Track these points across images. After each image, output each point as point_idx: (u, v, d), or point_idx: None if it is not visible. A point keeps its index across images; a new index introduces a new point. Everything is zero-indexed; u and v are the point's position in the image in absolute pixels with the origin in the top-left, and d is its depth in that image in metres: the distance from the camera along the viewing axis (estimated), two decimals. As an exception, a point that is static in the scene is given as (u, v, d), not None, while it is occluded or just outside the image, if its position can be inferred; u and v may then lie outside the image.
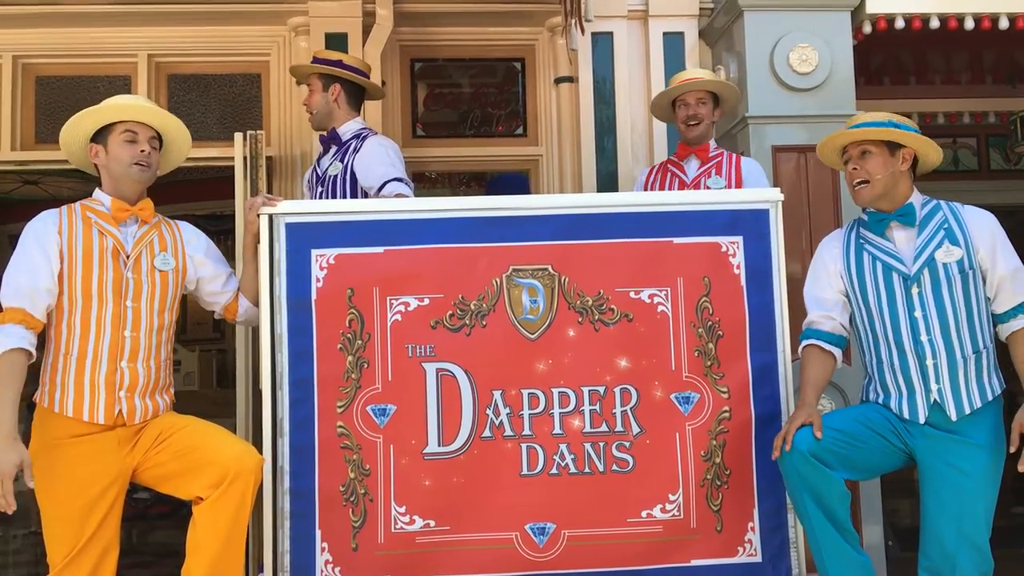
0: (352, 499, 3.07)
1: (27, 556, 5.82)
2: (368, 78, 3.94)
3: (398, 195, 3.49)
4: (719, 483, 3.15)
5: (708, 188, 3.76)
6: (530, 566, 3.08)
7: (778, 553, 3.15)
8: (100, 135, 3.00)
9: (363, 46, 4.66)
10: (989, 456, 2.95)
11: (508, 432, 3.12)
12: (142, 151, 2.99)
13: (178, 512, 6.32)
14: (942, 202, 3.12)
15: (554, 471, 3.12)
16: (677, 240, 3.21)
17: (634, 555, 3.10)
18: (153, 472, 2.93)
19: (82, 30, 4.85)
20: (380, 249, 3.15)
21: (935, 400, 2.98)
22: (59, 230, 2.89)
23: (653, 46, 4.77)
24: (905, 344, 3.01)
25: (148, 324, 2.95)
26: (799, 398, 3.10)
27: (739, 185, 3.77)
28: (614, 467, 3.13)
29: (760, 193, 3.40)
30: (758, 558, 3.15)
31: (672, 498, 3.13)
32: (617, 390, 3.15)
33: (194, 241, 3.14)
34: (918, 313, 3.00)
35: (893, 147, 3.07)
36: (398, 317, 3.13)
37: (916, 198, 3.11)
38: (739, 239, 3.23)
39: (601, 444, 3.14)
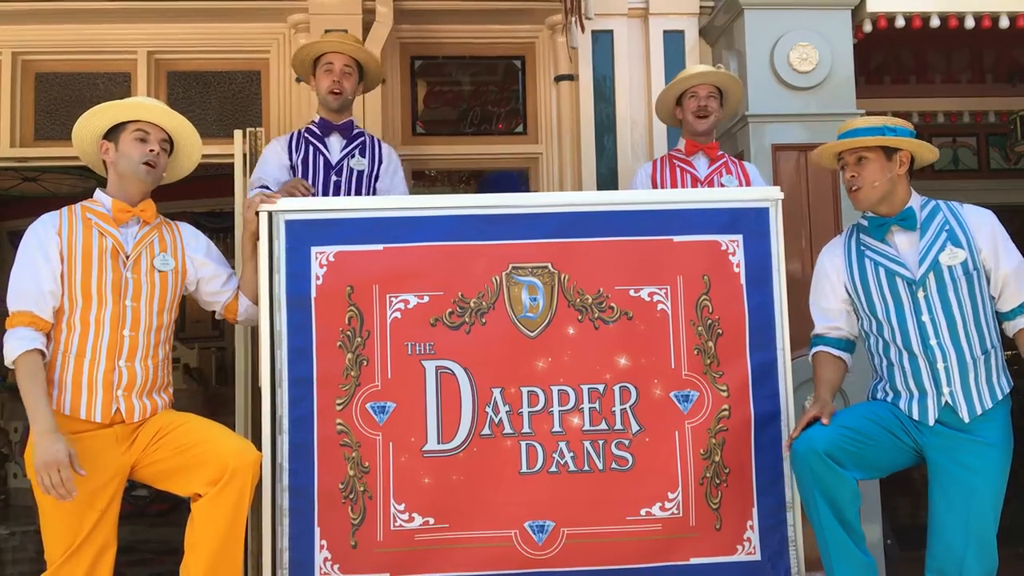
0: (351, 497, 3.07)
1: (27, 553, 5.82)
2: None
3: None
4: (718, 481, 3.15)
5: (724, 186, 3.75)
6: (529, 564, 3.08)
7: (777, 552, 3.15)
8: (113, 132, 3.02)
9: (363, 43, 4.65)
10: (999, 454, 2.95)
11: (507, 430, 3.12)
12: (151, 151, 3.01)
13: (177, 510, 6.33)
14: (941, 202, 3.11)
15: (553, 469, 3.12)
16: (677, 238, 3.21)
17: (633, 553, 3.10)
18: (151, 469, 2.93)
19: (82, 27, 4.86)
20: (380, 247, 3.15)
21: (947, 402, 2.97)
22: (59, 231, 2.90)
23: (653, 44, 4.76)
24: (915, 348, 3.00)
25: (147, 324, 2.96)
26: (814, 396, 3.11)
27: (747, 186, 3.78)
28: (613, 465, 3.13)
29: (760, 192, 3.40)
30: (757, 556, 3.15)
31: (671, 496, 3.13)
32: (616, 388, 3.15)
33: (194, 242, 3.15)
34: (925, 317, 2.99)
35: (890, 151, 3.06)
36: (398, 315, 3.13)
37: (915, 200, 3.10)
38: (739, 238, 3.23)
39: (600, 442, 3.14)
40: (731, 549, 3.14)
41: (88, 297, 2.88)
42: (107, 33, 4.89)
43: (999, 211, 3.21)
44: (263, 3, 4.80)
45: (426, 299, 3.14)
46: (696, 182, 3.80)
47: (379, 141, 3.96)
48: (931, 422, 2.98)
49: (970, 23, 4.47)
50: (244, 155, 4.09)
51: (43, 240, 2.89)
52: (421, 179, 5.65)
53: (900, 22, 4.47)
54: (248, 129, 4.17)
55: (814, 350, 3.20)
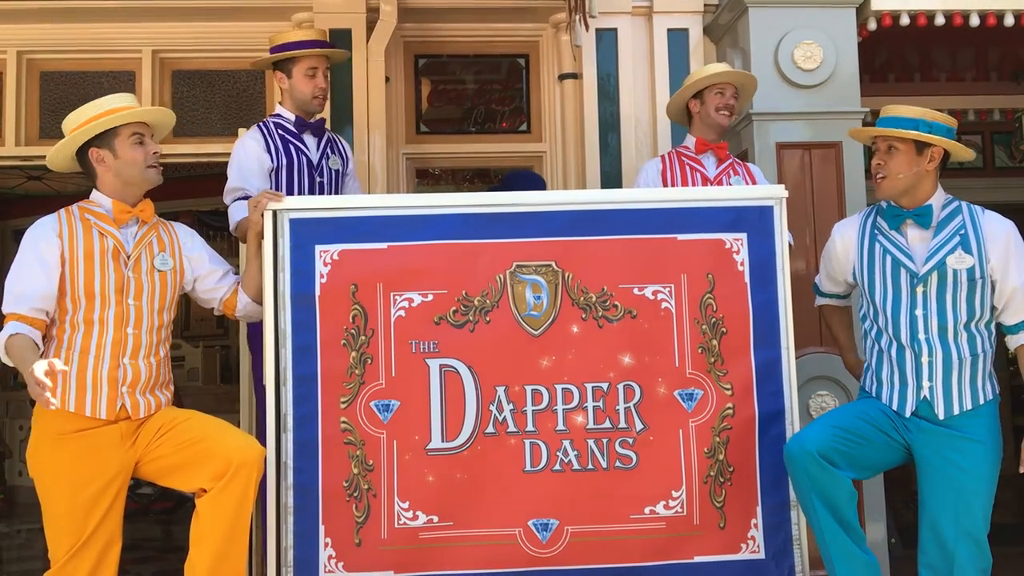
0: (355, 494, 3.07)
1: (31, 551, 5.83)
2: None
3: None
4: (722, 480, 3.15)
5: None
6: (533, 562, 3.08)
7: (781, 550, 3.15)
8: (102, 139, 2.98)
9: (367, 42, 4.67)
10: (986, 452, 2.96)
11: (511, 428, 3.12)
12: (154, 153, 3.02)
13: (181, 507, 6.35)
14: (964, 205, 3.10)
15: (557, 467, 3.12)
16: (681, 237, 3.21)
17: (637, 551, 3.10)
18: (155, 465, 2.94)
19: (86, 26, 4.86)
20: (384, 245, 3.15)
21: (925, 396, 3.00)
22: (59, 234, 2.90)
23: (657, 42, 4.75)
24: (903, 339, 3.03)
25: (149, 322, 2.97)
26: (842, 349, 3.48)
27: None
28: (617, 463, 3.13)
29: (765, 190, 3.40)
30: (761, 555, 3.14)
31: (675, 495, 3.13)
32: (620, 387, 3.15)
33: (189, 241, 3.16)
34: (919, 311, 3.01)
35: (921, 146, 3.06)
36: (402, 313, 3.13)
37: (937, 198, 3.09)
38: (743, 236, 3.22)
39: (604, 440, 3.14)
40: (735, 547, 3.14)
41: (91, 297, 2.89)
42: (112, 32, 4.89)
43: (1003, 209, 3.21)
44: (267, 2, 4.80)
45: (430, 297, 3.14)
46: (706, 181, 3.79)
47: (340, 139, 3.93)
48: (907, 413, 3.02)
49: (975, 21, 4.46)
50: (248, 154, 4.08)
51: (41, 244, 2.89)
52: (425, 178, 5.65)
53: (905, 20, 4.46)
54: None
55: (821, 302, 3.45)
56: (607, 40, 4.80)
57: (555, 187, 4.93)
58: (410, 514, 3.07)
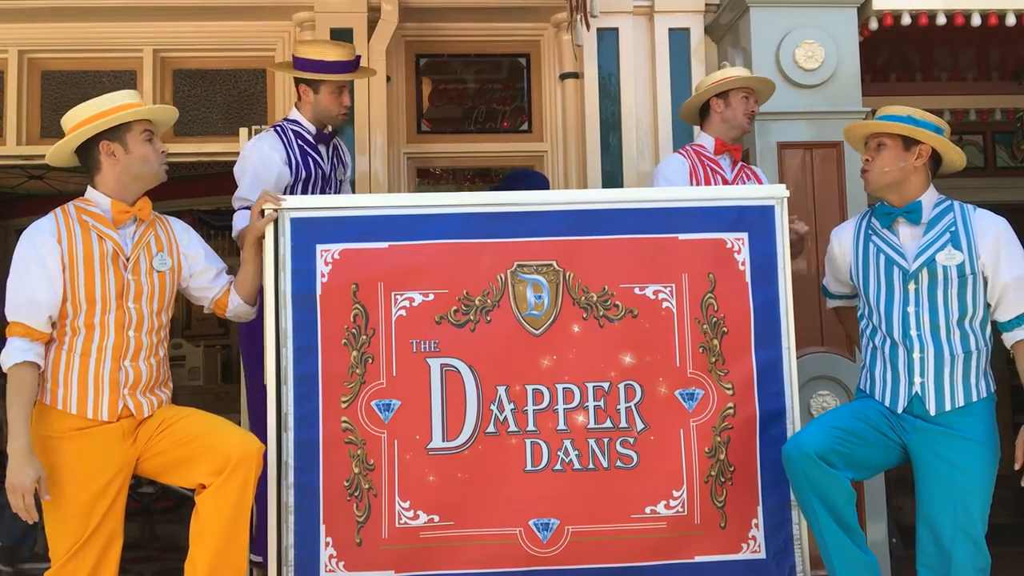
0: (356, 494, 3.07)
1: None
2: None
3: None
4: (723, 480, 3.15)
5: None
6: (534, 562, 3.08)
7: (782, 550, 3.15)
8: (113, 133, 2.96)
9: (368, 41, 4.66)
10: (982, 450, 2.96)
11: (512, 428, 3.12)
12: (162, 151, 3.03)
13: (182, 506, 6.34)
14: (956, 203, 3.12)
15: (558, 467, 3.12)
16: (682, 236, 3.21)
17: (638, 551, 3.10)
18: (155, 461, 2.93)
19: (88, 25, 4.86)
20: (385, 244, 3.15)
21: (916, 392, 3.02)
22: (58, 239, 2.87)
23: (659, 42, 4.75)
24: (896, 335, 3.05)
25: (149, 324, 2.96)
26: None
27: None
28: (618, 463, 3.13)
29: (766, 190, 3.40)
30: (762, 555, 3.14)
31: (676, 494, 3.13)
32: (621, 386, 3.15)
33: (186, 238, 3.14)
34: (911, 308, 3.03)
35: (909, 142, 3.08)
36: (403, 312, 3.13)
37: (928, 197, 3.11)
38: (744, 235, 3.22)
39: (605, 440, 3.13)
40: (736, 547, 3.14)
41: (92, 301, 2.87)
42: (113, 31, 4.89)
43: (1004, 209, 3.22)
44: (269, 1, 4.80)
45: (431, 297, 3.14)
46: (724, 183, 3.79)
47: (343, 144, 3.94)
48: (899, 409, 3.03)
49: (976, 20, 4.45)
50: (249, 153, 4.08)
51: (41, 249, 2.86)
52: (426, 177, 5.65)
53: (906, 19, 4.46)
54: (253, 127, 4.18)
55: (832, 303, 3.46)
56: (608, 40, 4.79)
57: (556, 187, 4.93)
58: (411, 513, 3.07)
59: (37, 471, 2.72)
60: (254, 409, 3.68)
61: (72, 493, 2.82)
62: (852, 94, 4.42)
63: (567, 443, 3.13)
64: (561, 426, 3.13)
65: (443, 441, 3.10)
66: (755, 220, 3.23)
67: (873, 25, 4.49)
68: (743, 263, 3.21)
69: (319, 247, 3.13)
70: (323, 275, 3.12)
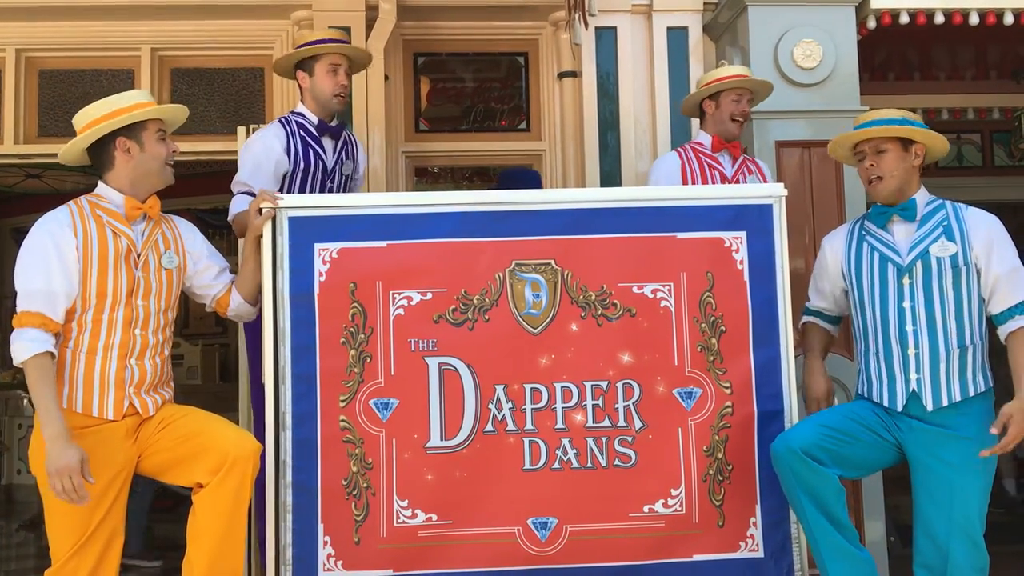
0: (354, 493, 3.07)
1: (30, 549, 5.83)
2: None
3: None
4: (721, 478, 3.15)
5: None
6: (532, 560, 3.08)
7: (780, 548, 3.15)
8: (130, 130, 2.96)
9: (366, 40, 4.66)
10: (978, 449, 2.96)
11: (510, 427, 3.12)
12: (173, 152, 3.04)
13: (179, 506, 6.34)
14: (947, 202, 3.15)
15: (556, 466, 3.12)
16: (680, 235, 3.21)
17: (636, 550, 3.10)
18: (155, 459, 2.93)
19: (85, 24, 4.86)
20: (383, 243, 3.15)
21: (913, 389, 3.03)
22: (74, 231, 2.86)
23: (657, 41, 4.75)
24: (891, 332, 3.06)
25: (155, 322, 2.96)
26: (806, 369, 3.31)
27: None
28: (616, 462, 3.13)
29: (764, 188, 3.40)
30: (760, 553, 3.15)
31: (674, 493, 3.13)
32: (620, 385, 3.15)
33: (191, 236, 3.15)
34: (906, 303, 3.05)
35: (907, 143, 3.12)
36: (401, 311, 3.13)
37: (921, 195, 3.15)
38: (742, 234, 3.22)
39: (603, 439, 3.13)
40: (734, 546, 3.14)
41: (103, 297, 2.87)
42: (111, 30, 4.89)
43: (1003, 208, 3.24)
44: (267, 0, 4.80)
45: (429, 296, 3.14)
46: (724, 180, 3.80)
47: (357, 142, 3.93)
48: (899, 407, 3.04)
49: (974, 19, 4.46)
50: (248, 152, 4.08)
51: (58, 239, 2.84)
52: (424, 176, 5.65)
53: (904, 18, 4.46)
54: (252, 126, 4.17)
55: (805, 319, 3.39)
56: (606, 38, 4.79)
57: (554, 185, 4.94)
58: (409, 512, 3.07)
59: (80, 452, 2.68)
60: (258, 408, 3.67)
61: None
62: (850, 93, 4.42)
63: (565, 442, 3.13)
64: (559, 425, 3.13)
65: (441, 440, 3.10)
66: (753, 219, 3.23)
67: (871, 24, 4.49)
68: (741, 262, 3.21)
69: (317, 246, 3.13)
70: (321, 274, 3.12)
